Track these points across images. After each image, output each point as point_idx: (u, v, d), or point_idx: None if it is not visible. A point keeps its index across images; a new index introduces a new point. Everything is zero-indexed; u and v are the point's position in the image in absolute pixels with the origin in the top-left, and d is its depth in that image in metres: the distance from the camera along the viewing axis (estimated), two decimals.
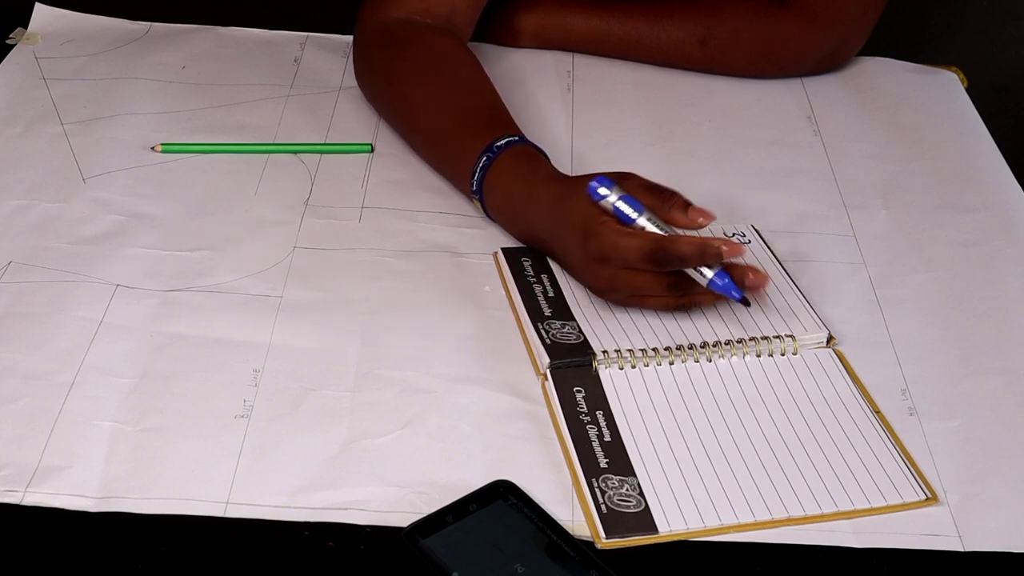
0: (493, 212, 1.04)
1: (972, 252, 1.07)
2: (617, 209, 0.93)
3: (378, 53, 1.17)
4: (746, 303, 0.93)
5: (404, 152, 1.14)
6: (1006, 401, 0.92)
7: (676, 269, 0.92)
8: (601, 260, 0.94)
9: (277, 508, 0.81)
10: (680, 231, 0.93)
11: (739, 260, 0.92)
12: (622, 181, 0.94)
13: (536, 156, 1.03)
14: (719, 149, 1.19)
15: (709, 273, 0.92)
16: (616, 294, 0.95)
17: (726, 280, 0.92)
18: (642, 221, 0.92)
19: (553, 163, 1.04)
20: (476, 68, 1.14)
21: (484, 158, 1.03)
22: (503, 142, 1.03)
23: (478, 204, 1.05)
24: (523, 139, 1.04)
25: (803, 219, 1.10)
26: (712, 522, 0.81)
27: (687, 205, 0.94)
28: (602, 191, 0.93)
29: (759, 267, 0.96)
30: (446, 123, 1.09)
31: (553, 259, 1.01)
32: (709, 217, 0.94)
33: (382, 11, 1.18)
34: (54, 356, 0.91)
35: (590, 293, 0.98)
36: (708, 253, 0.90)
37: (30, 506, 0.80)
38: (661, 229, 0.92)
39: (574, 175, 0.99)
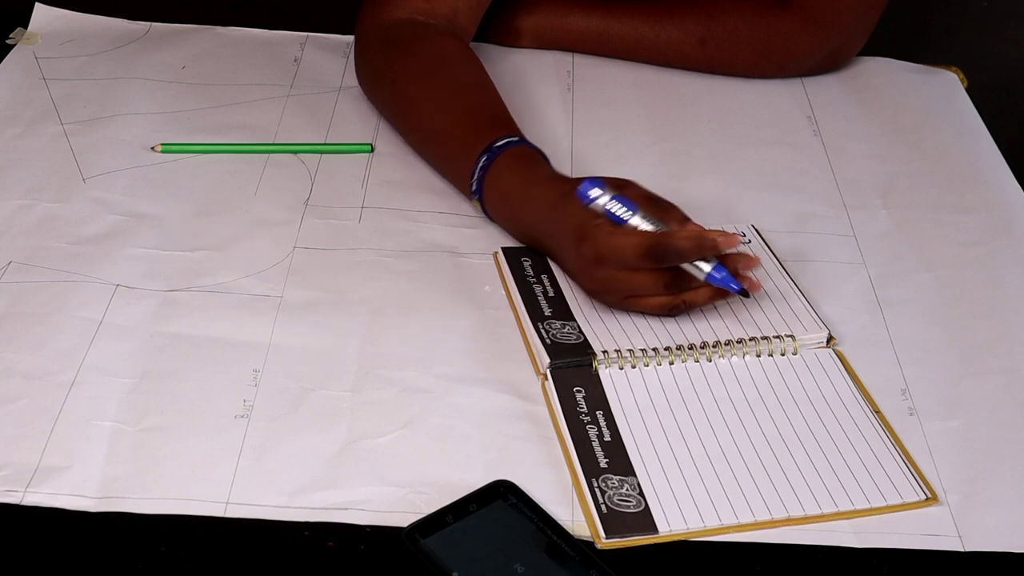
0: (492, 212, 1.04)
1: (972, 252, 1.07)
2: (609, 211, 0.93)
3: (381, 53, 1.17)
4: (745, 294, 0.92)
5: (404, 152, 1.14)
6: (1006, 401, 0.92)
7: (674, 265, 0.92)
8: (596, 262, 0.94)
9: (277, 508, 0.81)
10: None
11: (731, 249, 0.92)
12: (621, 188, 0.94)
13: (535, 157, 1.03)
14: (719, 149, 1.19)
15: (707, 267, 0.91)
16: (611, 296, 0.95)
17: (724, 273, 0.92)
18: (636, 220, 0.92)
19: (553, 163, 1.04)
20: (479, 69, 1.14)
21: (484, 158, 1.03)
22: (503, 142, 1.03)
23: (477, 204, 1.05)
24: (523, 140, 1.04)
25: (803, 219, 1.10)
26: (712, 522, 0.81)
27: (684, 220, 0.93)
28: (592, 193, 0.93)
29: (749, 252, 0.95)
30: (446, 122, 1.09)
31: (551, 259, 1.01)
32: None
33: (384, 12, 1.18)
34: (54, 356, 0.91)
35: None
36: (705, 245, 0.90)
37: (30, 506, 0.80)
38: (654, 226, 0.92)
39: (573, 176, 0.99)
